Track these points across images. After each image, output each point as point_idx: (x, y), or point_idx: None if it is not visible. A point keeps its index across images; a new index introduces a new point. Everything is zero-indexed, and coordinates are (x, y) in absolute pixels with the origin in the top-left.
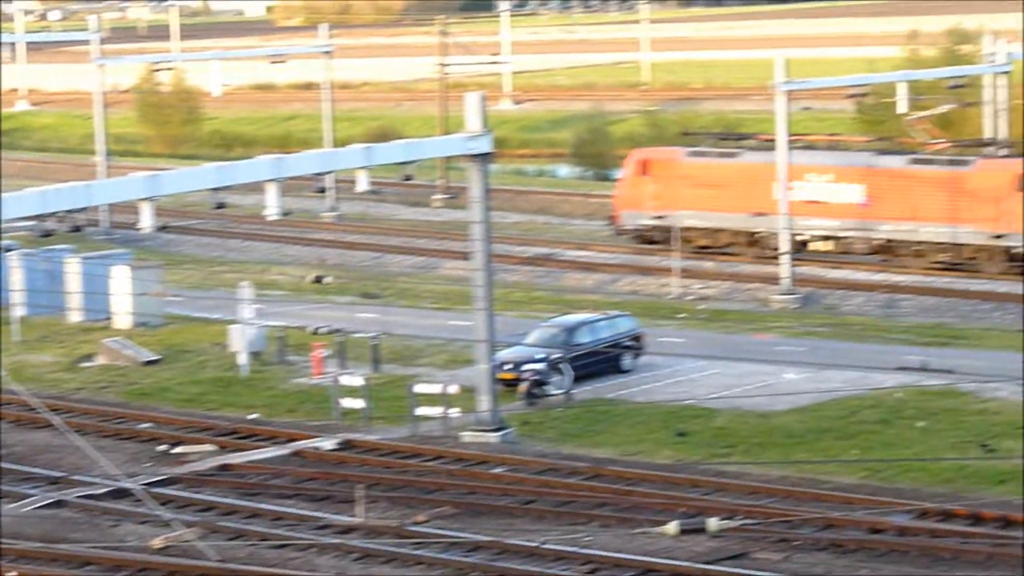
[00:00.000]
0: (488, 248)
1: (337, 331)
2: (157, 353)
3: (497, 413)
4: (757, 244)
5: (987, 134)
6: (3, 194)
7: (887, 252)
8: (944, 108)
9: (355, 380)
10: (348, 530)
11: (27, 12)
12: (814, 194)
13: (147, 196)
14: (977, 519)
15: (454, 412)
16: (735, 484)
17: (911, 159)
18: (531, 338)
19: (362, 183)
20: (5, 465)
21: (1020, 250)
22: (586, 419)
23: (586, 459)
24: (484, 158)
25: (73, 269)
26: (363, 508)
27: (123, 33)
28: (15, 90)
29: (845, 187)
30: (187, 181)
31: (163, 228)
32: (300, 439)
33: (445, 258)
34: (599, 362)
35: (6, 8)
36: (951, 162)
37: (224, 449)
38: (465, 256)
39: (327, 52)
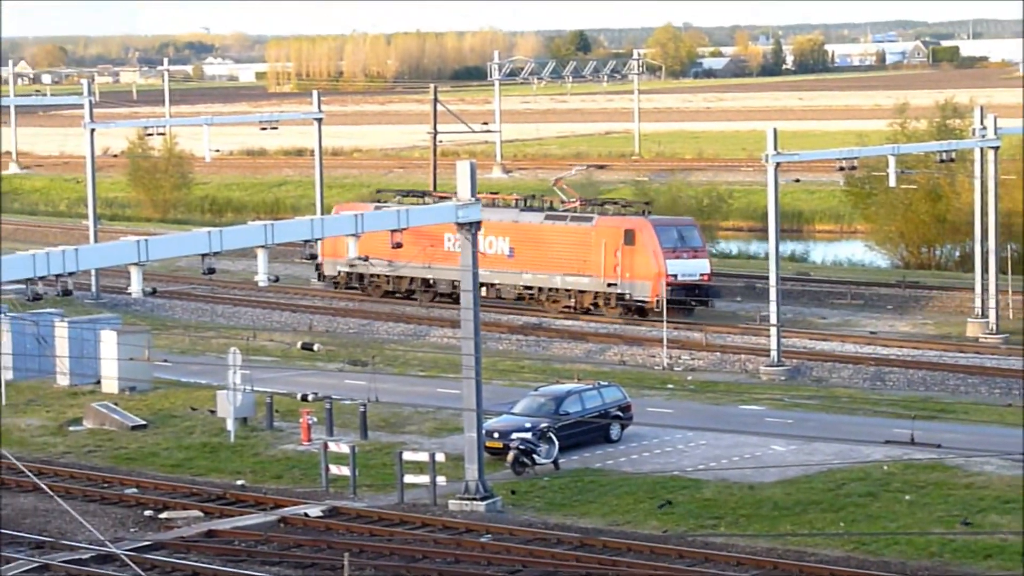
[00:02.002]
0: (477, 317)
1: (325, 398)
2: (144, 418)
3: (484, 482)
4: (432, 288)
5: (976, 207)
6: None
7: (530, 298)
8: (574, 172)
9: (343, 447)
10: None
11: (19, 75)
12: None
13: (137, 261)
14: None
15: (441, 480)
16: (721, 556)
17: (546, 215)
18: (519, 407)
19: (352, 250)
20: None
21: (629, 296)
22: (573, 488)
23: (573, 529)
24: (474, 226)
25: (62, 333)
26: None
27: (115, 97)
28: (7, 153)
29: (494, 240)
30: (177, 246)
31: (152, 293)
32: (287, 505)
33: (434, 326)
34: (587, 432)
35: None
36: (576, 218)
37: (210, 515)
38: (454, 324)
39: (318, 119)
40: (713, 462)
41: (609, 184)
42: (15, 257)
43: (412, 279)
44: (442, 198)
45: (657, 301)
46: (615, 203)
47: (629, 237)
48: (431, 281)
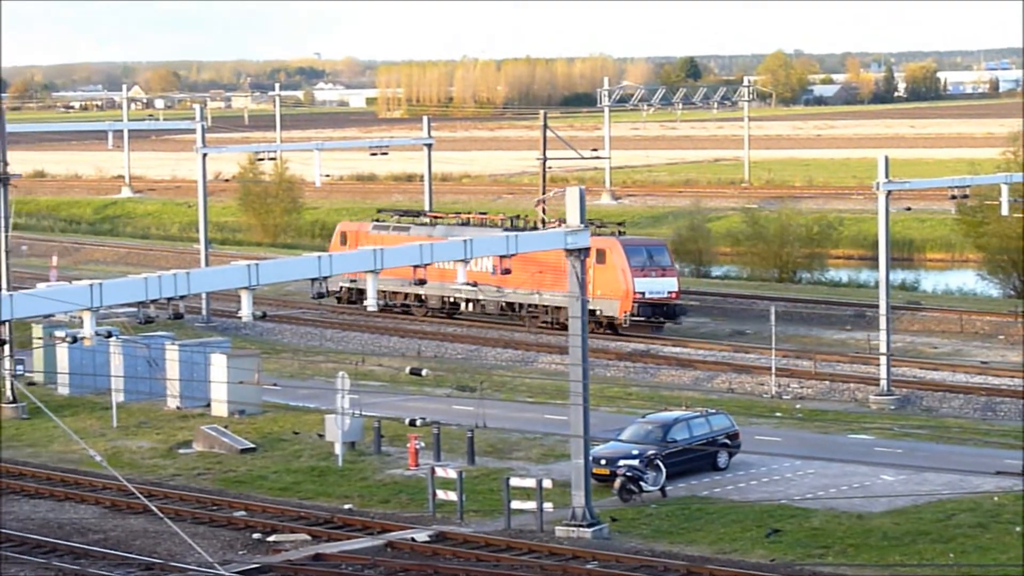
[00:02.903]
0: (585, 343)
1: (433, 423)
2: (253, 441)
3: (591, 508)
4: (424, 303)
5: None
6: (106, 281)
7: (512, 312)
8: (552, 194)
9: (450, 472)
10: None
11: (133, 100)
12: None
13: (247, 285)
14: None
15: (548, 507)
16: None
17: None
18: (626, 434)
19: (460, 275)
20: (101, 550)
21: (600, 313)
22: (680, 516)
23: (680, 557)
24: (582, 253)
25: (172, 356)
26: None
27: (227, 122)
28: (119, 177)
29: (482, 258)
30: (287, 270)
31: (262, 317)
32: (393, 530)
33: (542, 352)
34: (694, 459)
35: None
36: None
37: (318, 539)
38: (562, 350)
39: (428, 144)
40: (821, 491)
41: (718, 212)
42: (127, 280)
43: (407, 295)
44: (435, 219)
45: (625, 317)
46: (591, 223)
47: (600, 256)
48: (423, 297)
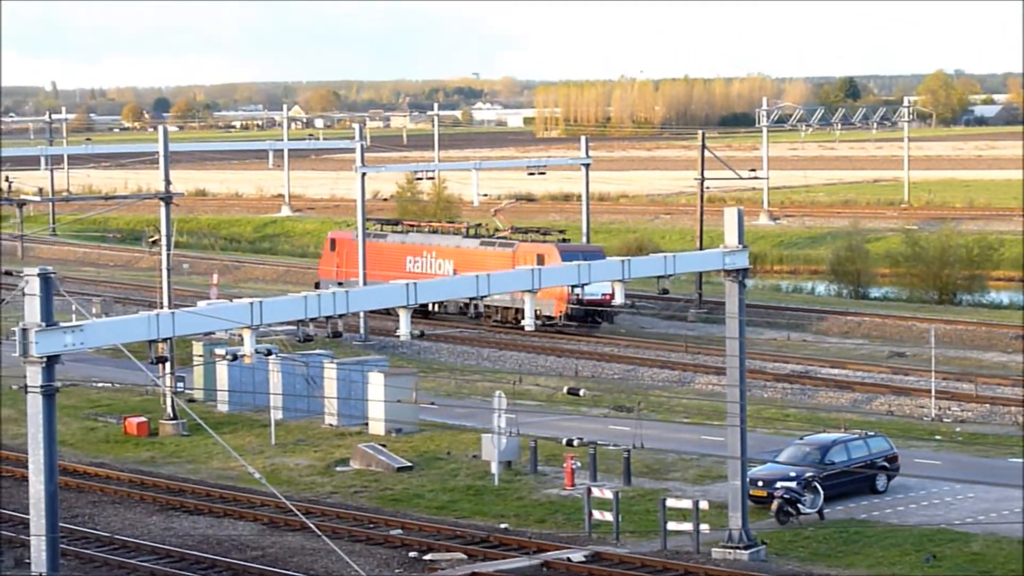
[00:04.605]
0: (743, 364)
1: (590, 443)
2: (410, 459)
3: (748, 530)
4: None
5: None
6: (266, 299)
7: (469, 312)
8: (504, 204)
9: (606, 492)
10: None
11: (293, 119)
12: (425, 267)
13: (405, 304)
14: None
15: (704, 528)
16: None
17: (481, 242)
18: (784, 456)
19: (619, 296)
20: (259, 567)
21: (539, 312)
22: (838, 539)
23: None
24: (741, 273)
25: (330, 374)
26: None
27: (386, 142)
28: (279, 196)
29: (442, 262)
30: (446, 289)
31: (420, 336)
32: (550, 550)
33: (699, 372)
34: (852, 482)
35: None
36: (503, 244)
37: (474, 557)
38: (719, 371)
39: (585, 164)
40: (982, 516)
41: (877, 232)
42: (287, 299)
43: None
44: (409, 227)
45: (561, 316)
46: (538, 231)
47: (540, 260)
48: None
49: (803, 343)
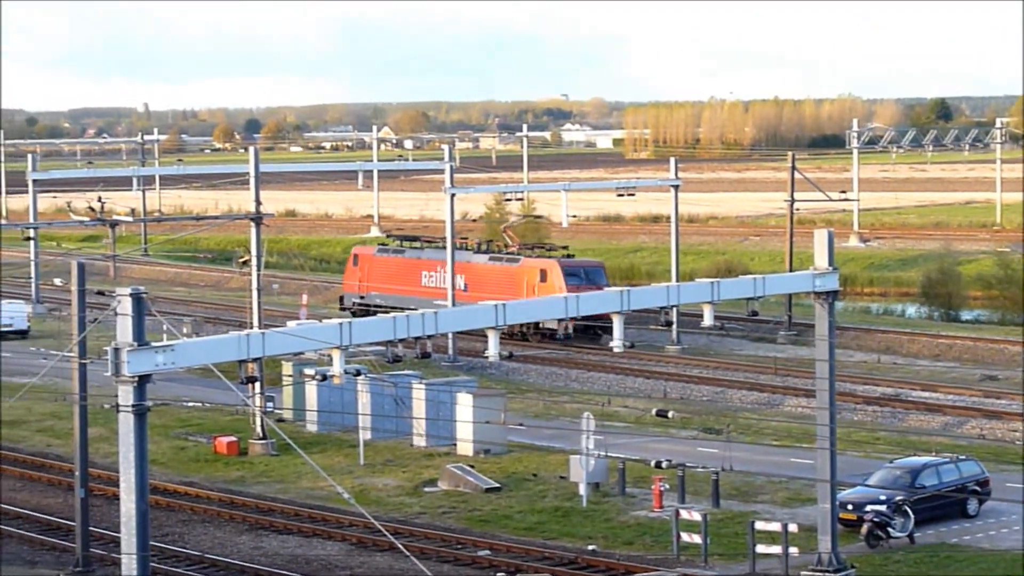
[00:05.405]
0: (833, 387)
1: (678, 465)
2: (498, 480)
3: (838, 554)
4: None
5: None
6: (355, 320)
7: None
8: (513, 220)
9: (695, 515)
10: None
11: (382, 140)
12: (438, 281)
13: (494, 325)
14: None
15: (793, 551)
16: None
17: (490, 257)
18: (874, 479)
19: (708, 317)
20: None
21: (542, 324)
22: (928, 563)
23: None
24: (831, 296)
25: (419, 395)
26: None
27: (474, 162)
28: (369, 216)
29: (456, 276)
30: (534, 311)
31: (509, 357)
32: (638, 572)
33: (788, 395)
34: (943, 506)
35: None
36: (509, 260)
37: None
38: (809, 393)
39: (675, 185)
40: None
41: (969, 255)
42: (376, 319)
43: (401, 309)
44: (425, 243)
45: (561, 328)
46: (542, 247)
47: (543, 275)
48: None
49: (893, 366)
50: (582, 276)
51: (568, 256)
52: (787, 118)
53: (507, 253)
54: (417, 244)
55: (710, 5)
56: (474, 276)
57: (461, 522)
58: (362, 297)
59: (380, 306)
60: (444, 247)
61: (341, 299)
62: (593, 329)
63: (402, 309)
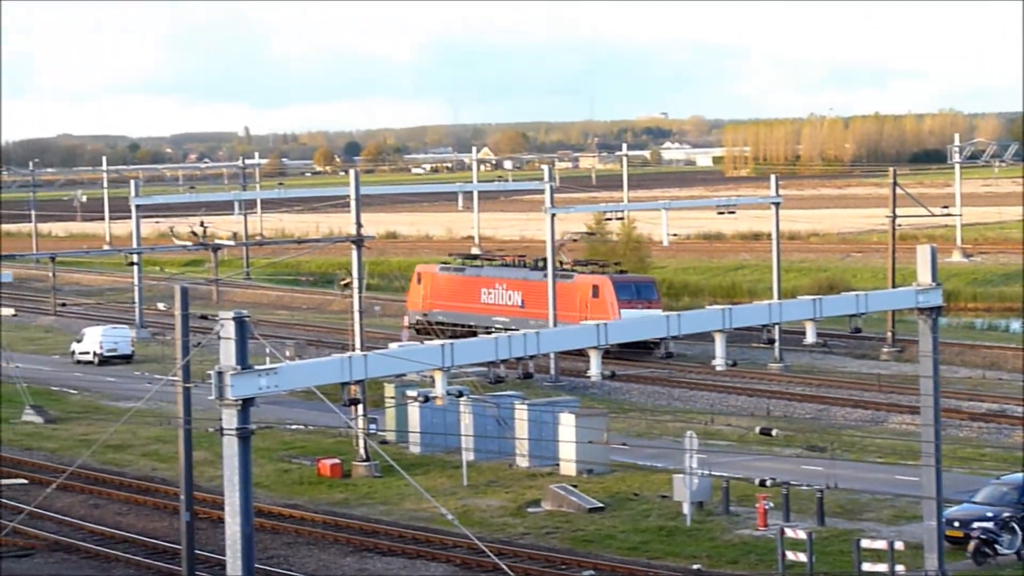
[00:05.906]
0: (938, 403)
1: (783, 483)
2: (602, 500)
3: (944, 571)
4: (474, 333)
5: None
6: (457, 341)
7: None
8: (566, 237)
9: (799, 533)
10: None
11: (482, 161)
12: (496, 298)
13: (596, 344)
14: None
15: (900, 569)
16: None
17: (544, 274)
18: (981, 496)
19: (810, 335)
20: None
21: None
22: None
23: None
24: (934, 312)
25: (521, 415)
26: None
27: (574, 182)
28: (469, 237)
29: (511, 293)
30: (636, 330)
31: (611, 376)
32: None
33: (893, 412)
34: None
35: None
36: (563, 276)
37: None
38: (913, 410)
39: (776, 203)
40: None
41: None
42: (478, 341)
43: (462, 325)
44: (485, 260)
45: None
46: (596, 263)
47: (595, 291)
48: (474, 328)
49: (999, 381)
50: (633, 291)
51: (621, 272)
52: (888, 134)
53: (561, 270)
54: (477, 263)
55: (811, 23)
56: (530, 292)
57: (565, 542)
58: (425, 314)
59: (442, 323)
60: (503, 265)
61: (405, 316)
62: (643, 343)
63: (463, 325)
